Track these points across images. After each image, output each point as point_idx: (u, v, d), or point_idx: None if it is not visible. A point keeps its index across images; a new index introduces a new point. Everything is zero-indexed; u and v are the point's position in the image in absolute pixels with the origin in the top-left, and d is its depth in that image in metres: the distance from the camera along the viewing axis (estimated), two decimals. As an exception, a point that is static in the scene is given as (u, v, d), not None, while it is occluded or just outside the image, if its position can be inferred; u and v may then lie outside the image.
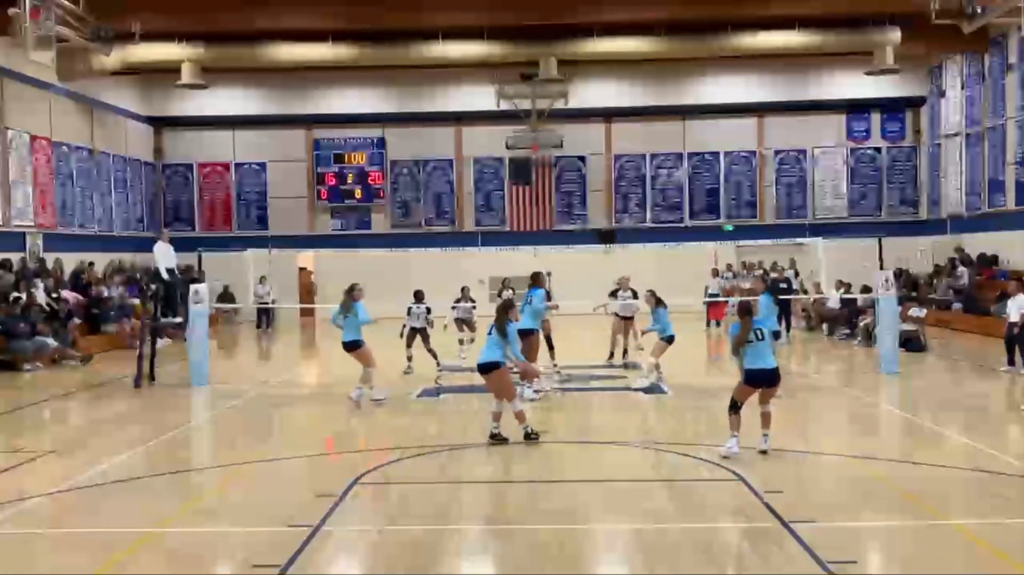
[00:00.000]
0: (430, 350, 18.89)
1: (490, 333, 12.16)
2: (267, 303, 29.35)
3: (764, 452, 10.88)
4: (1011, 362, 17.80)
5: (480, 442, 12.33)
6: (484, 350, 12.16)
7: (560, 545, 8.09)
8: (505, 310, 12.29)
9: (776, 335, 18.35)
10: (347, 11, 26.14)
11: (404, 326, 18.96)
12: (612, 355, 19.79)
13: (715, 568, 7.57)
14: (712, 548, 7.97)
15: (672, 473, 10.64)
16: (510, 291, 22.13)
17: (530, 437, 11.98)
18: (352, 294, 15.33)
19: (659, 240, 29.76)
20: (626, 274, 20.53)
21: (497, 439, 11.96)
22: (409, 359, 18.79)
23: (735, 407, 10.95)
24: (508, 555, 7.98)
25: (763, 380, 10.90)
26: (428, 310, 18.96)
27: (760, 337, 10.84)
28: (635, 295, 19.73)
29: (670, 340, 16.74)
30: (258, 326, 30.76)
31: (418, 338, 18.89)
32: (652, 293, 17.25)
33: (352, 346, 15.20)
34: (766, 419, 11.03)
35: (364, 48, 29.06)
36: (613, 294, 20.24)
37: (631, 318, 19.84)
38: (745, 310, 11.09)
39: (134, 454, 11.99)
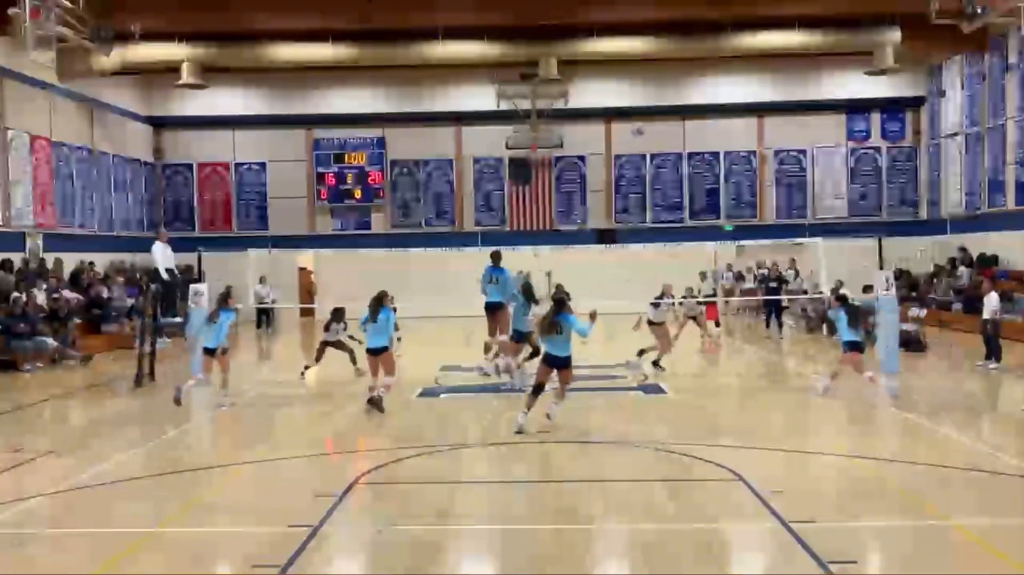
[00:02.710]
0: (349, 350, 18.59)
1: (364, 323, 14.59)
2: (267, 303, 29.33)
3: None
4: (988, 356, 18.48)
5: (480, 442, 12.35)
6: (373, 336, 14.48)
7: (560, 545, 8.10)
8: (379, 301, 14.61)
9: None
10: (347, 11, 26.15)
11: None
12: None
13: (715, 568, 7.57)
14: (712, 548, 7.98)
15: (672, 473, 10.63)
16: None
17: (376, 402, 14.28)
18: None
19: (659, 240, 29.73)
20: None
21: (374, 403, 14.30)
22: (308, 368, 18.71)
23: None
24: (508, 555, 7.98)
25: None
26: (346, 327, 18.67)
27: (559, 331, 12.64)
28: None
29: None
30: (258, 326, 30.75)
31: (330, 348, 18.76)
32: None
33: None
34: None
35: (364, 48, 29.08)
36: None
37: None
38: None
39: (134, 454, 11.99)
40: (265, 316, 30.65)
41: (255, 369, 22.70)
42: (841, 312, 15.21)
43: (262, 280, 29.66)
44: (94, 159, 29.78)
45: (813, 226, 32.79)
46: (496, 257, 17.04)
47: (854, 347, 15.04)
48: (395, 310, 15.53)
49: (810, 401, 15.66)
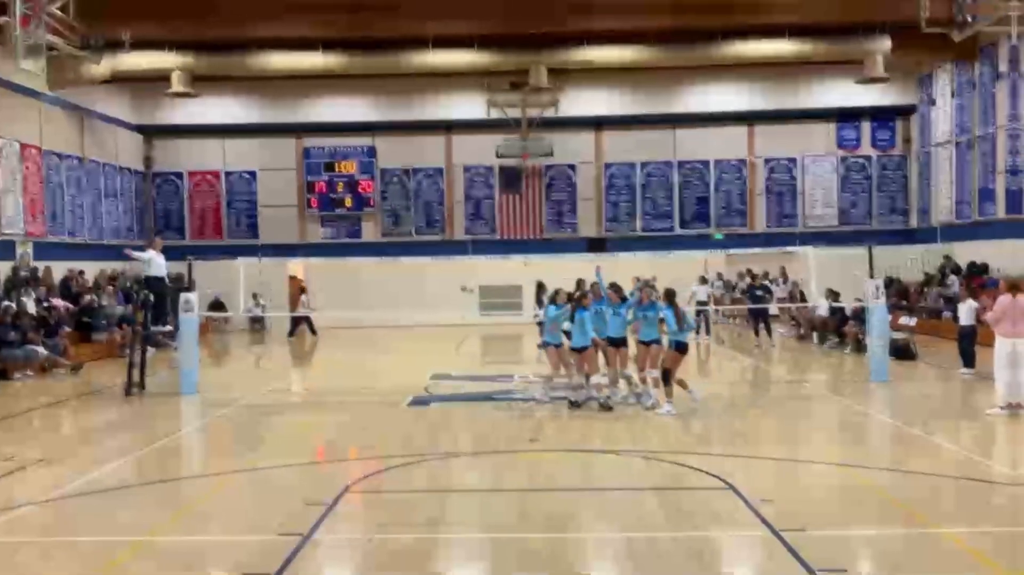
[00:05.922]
0: None
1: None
2: (260, 315, 29.35)
3: None
4: (967, 364, 18.42)
5: (470, 451, 12.34)
6: (574, 336, 15.22)
7: (551, 553, 8.09)
8: (578, 301, 15.22)
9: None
10: (337, 20, 26.17)
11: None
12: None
13: (706, 576, 7.57)
14: (703, 556, 7.98)
15: (663, 481, 10.64)
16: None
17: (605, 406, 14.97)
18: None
19: (649, 248, 29.76)
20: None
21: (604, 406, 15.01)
22: None
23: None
24: (499, 563, 7.97)
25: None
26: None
27: None
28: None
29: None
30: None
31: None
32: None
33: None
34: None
35: (354, 57, 29.06)
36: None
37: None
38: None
39: (124, 462, 11.96)
40: (259, 324, 30.65)
41: (246, 377, 22.65)
42: (669, 311, 15.03)
43: (255, 297, 29.76)
44: (84, 168, 29.71)
45: (803, 234, 32.84)
46: (540, 287, 17.36)
47: (682, 347, 14.93)
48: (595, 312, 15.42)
49: (800, 410, 15.70)
